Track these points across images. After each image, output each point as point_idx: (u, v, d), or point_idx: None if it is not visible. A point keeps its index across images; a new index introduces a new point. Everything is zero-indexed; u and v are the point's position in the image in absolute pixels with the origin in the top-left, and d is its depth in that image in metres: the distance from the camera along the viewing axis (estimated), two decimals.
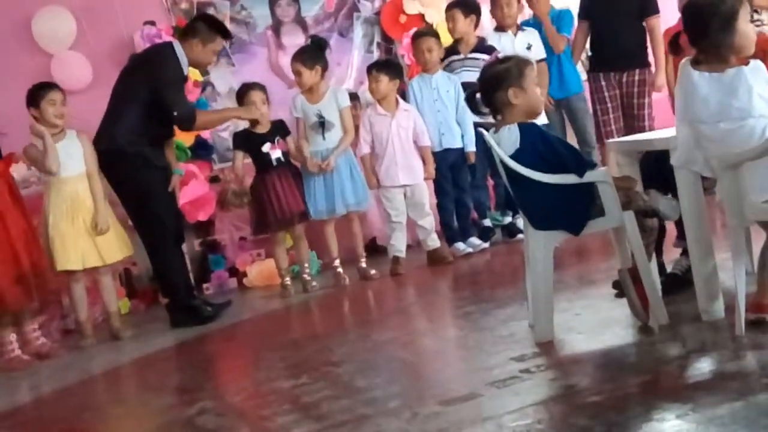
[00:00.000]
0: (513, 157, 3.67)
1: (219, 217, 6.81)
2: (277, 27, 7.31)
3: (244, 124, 6.13)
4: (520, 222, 6.04)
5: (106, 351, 5.37)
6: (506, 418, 2.91)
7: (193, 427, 3.55)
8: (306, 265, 6.12)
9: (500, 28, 6.79)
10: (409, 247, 6.35)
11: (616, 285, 4.06)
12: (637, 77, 6.79)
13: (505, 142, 3.71)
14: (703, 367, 3.24)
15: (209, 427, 3.52)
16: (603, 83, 6.83)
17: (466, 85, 6.11)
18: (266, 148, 5.95)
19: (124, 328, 5.61)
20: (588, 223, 3.66)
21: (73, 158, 5.45)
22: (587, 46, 7.07)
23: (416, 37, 6.51)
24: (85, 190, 5.47)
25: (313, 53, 6.07)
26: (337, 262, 6.14)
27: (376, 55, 7.44)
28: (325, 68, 6.10)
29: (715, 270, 3.60)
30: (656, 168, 3.91)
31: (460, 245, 6.36)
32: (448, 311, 5.12)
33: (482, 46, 6.54)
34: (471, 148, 6.37)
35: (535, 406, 3.00)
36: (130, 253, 5.72)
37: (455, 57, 6.57)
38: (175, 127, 5.73)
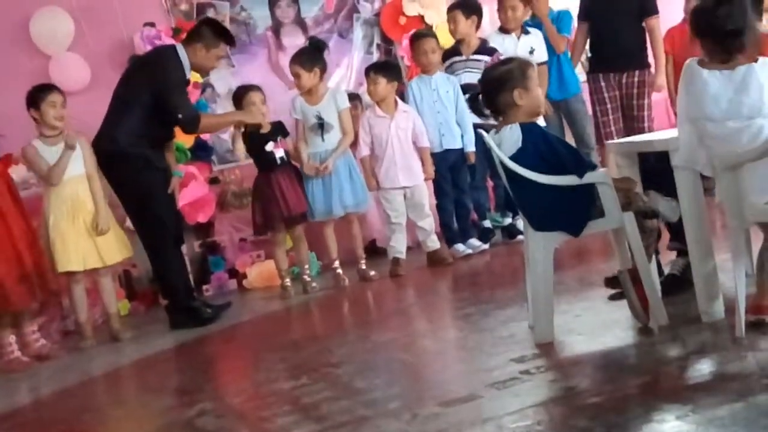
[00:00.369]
0: (514, 157, 3.67)
1: (219, 218, 6.82)
2: (276, 28, 7.32)
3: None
4: (520, 223, 6.05)
5: (105, 352, 5.37)
6: (506, 419, 2.91)
7: (192, 428, 3.54)
8: (306, 266, 6.12)
9: (504, 29, 6.76)
10: (408, 248, 6.36)
11: (609, 282, 4.07)
12: (636, 78, 6.77)
13: (507, 141, 3.71)
14: (703, 368, 3.23)
15: (209, 429, 3.52)
16: (603, 84, 6.82)
17: (467, 87, 6.11)
18: (270, 147, 5.94)
19: (123, 329, 5.61)
20: (588, 224, 3.66)
21: (73, 160, 5.45)
22: (587, 47, 7.07)
23: (416, 39, 6.50)
24: (85, 191, 5.48)
25: (312, 55, 6.06)
26: (336, 264, 6.13)
27: (375, 56, 7.45)
28: (323, 70, 6.10)
29: (714, 271, 3.61)
30: (656, 169, 3.91)
31: (460, 246, 6.35)
32: (447, 312, 5.11)
33: (484, 48, 6.52)
34: (471, 148, 6.36)
35: (535, 408, 3.00)
36: (130, 254, 5.73)
37: (457, 58, 6.55)
38: (176, 129, 5.73)
